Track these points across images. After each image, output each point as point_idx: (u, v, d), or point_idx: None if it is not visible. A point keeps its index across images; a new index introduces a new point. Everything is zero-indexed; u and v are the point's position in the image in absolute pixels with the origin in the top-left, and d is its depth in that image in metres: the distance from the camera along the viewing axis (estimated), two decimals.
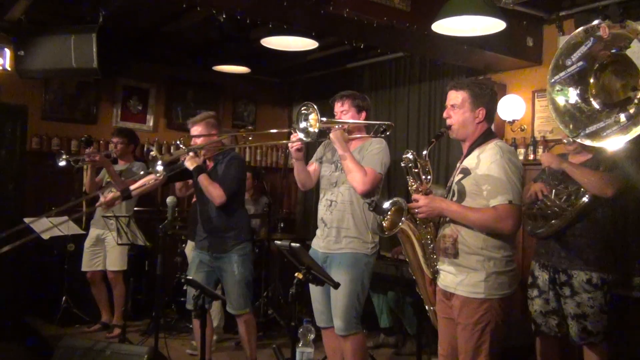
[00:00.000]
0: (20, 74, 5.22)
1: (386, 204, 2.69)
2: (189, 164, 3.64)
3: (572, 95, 3.32)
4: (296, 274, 2.58)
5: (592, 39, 3.21)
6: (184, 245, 5.41)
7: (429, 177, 2.60)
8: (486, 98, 2.64)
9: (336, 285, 2.76)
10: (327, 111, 3.52)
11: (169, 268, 5.33)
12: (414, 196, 2.57)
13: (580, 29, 3.32)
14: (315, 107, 3.06)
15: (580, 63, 3.27)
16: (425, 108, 5.45)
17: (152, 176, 3.74)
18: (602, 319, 3.13)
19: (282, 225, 6.16)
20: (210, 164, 3.80)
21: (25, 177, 5.58)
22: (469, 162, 2.60)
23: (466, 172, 2.57)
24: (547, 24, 4.56)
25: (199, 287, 3.16)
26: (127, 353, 3.21)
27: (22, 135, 5.55)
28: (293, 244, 2.56)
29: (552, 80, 3.39)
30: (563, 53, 3.36)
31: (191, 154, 3.65)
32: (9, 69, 5.41)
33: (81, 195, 5.28)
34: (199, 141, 3.76)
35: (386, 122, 3.40)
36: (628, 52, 3.15)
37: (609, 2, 3.89)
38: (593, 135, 3.17)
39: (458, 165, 2.68)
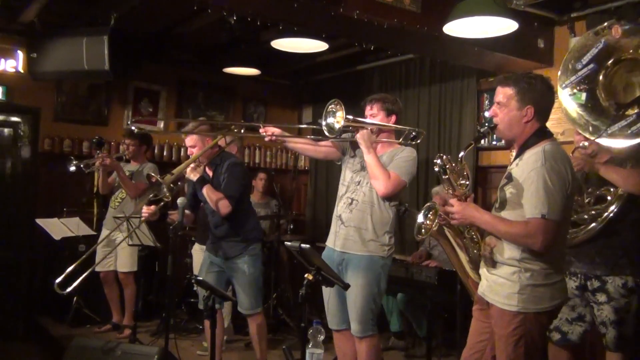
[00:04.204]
0: (33, 76, 5.28)
1: (423, 210, 2.68)
2: (192, 176, 3.65)
3: (586, 97, 3.29)
4: (306, 275, 2.58)
5: (603, 40, 3.18)
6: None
7: (466, 182, 2.48)
8: (536, 94, 2.38)
9: (346, 287, 2.76)
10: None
11: (179, 269, 5.34)
12: (450, 201, 2.46)
13: (590, 31, 3.29)
14: (343, 104, 3.06)
15: (592, 65, 3.24)
16: (436, 110, 5.43)
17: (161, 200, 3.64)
18: (636, 323, 3.09)
19: (291, 226, 6.18)
20: (209, 171, 3.80)
21: (37, 178, 5.62)
22: (513, 166, 2.42)
23: (509, 178, 2.39)
24: (558, 25, 4.54)
25: (209, 288, 3.18)
26: (138, 353, 3.22)
27: (34, 137, 5.59)
28: (303, 245, 2.56)
29: (564, 84, 3.36)
30: (573, 56, 3.33)
31: (192, 165, 3.63)
32: (22, 71, 5.47)
33: (93, 196, 5.32)
34: (195, 150, 3.75)
35: (417, 129, 3.36)
36: None
37: (621, 3, 3.86)
38: (617, 134, 3.13)
39: (508, 167, 2.49)
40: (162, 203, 3.65)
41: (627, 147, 3.11)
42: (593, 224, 3.12)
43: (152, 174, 3.51)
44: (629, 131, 3.06)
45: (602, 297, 3.10)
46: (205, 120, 3.99)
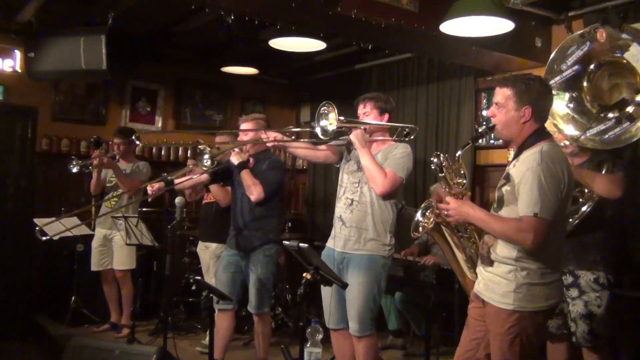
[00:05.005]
0: (31, 76, 5.26)
1: (420, 209, 2.69)
2: (235, 159, 3.73)
3: (569, 99, 3.31)
4: (304, 274, 2.59)
5: (588, 43, 3.20)
6: (193, 247, 5.43)
7: (463, 180, 2.51)
8: (533, 95, 2.40)
9: (344, 286, 2.76)
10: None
11: (178, 268, 5.35)
12: (446, 198, 2.49)
13: (576, 33, 3.31)
14: (335, 106, 3.06)
15: (576, 67, 3.26)
16: (434, 109, 5.44)
17: (198, 169, 3.82)
18: (607, 320, 3.12)
19: (290, 225, 6.17)
20: (252, 161, 3.88)
21: (35, 178, 5.62)
22: (511, 167, 2.44)
23: (507, 178, 2.41)
24: (555, 24, 4.54)
25: (207, 288, 3.19)
26: (136, 353, 3.21)
27: (32, 137, 5.58)
28: (301, 244, 2.57)
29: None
30: (558, 57, 3.35)
31: (237, 149, 3.73)
32: (20, 70, 5.45)
33: (91, 196, 5.31)
34: (246, 139, 3.85)
35: (410, 125, 3.37)
36: (627, 55, 3.13)
37: (617, 2, 3.87)
38: (595, 138, 3.16)
39: (506, 168, 2.50)
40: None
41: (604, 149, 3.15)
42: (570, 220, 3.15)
43: (201, 141, 3.59)
44: (606, 136, 3.09)
45: (574, 292, 3.17)
46: (264, 116, 4.09)
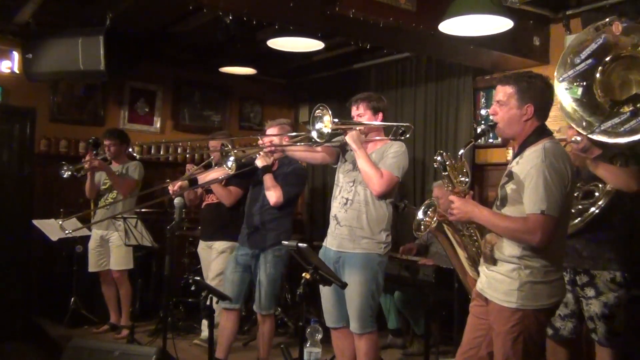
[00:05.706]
0: (29, 77, 5.26)
1: (422, 207, 2.70)
2: (260, 162, 3.78)
3: (582, 93, 3.27)
4: (304, 274, 2.59)
5: (603, 36, 3.17)
6: (192, 247, 5.42)
7: (466, 179, 2.51)
8: (535, 93, 2.40)
9: (343, 286, 2.76)
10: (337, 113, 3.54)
11: (177, 269, 5.34)
12: (450, 197, 2.49)
13: (591, 26, 3.28)
14: (329, 109, 3.05)
15: (590, 61, 3.23)
16: (432, 108, 5.44)
17: (221, 170, 3.86)
18: (624, 319, 3.10)
19: None
20: (276, 165, 3.93)
21: (33, 179, 5.62)
22: (513, 164, 2.43)
23: (510, 175, 2.40)
24: (553, 23, 4.55)
25: (207, 288, 3.19)
26: (135, 353, 3.21)
27: (30, 138, 5.59)
28: (300, 244, 2.57)
29: (560, 78, 3.35)
30: (572, 51, 3.32)
31: (262, 153, 3.77)
32: (18, 71, 5.45)
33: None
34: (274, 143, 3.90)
35: (404, 124, 3.38)
36: None
37: (615, 0, 3.87)
38: (609, 131, 3.13)
39: (508, 166, 2.50)
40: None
41: (617, 144, 3.13)
42: (578, 219, 3.13)
43: (227, 143, 3.63)
44: (622, 129, 3.06)
45: (590, 292, 3.12)
46: (289, 120, 4.13)
